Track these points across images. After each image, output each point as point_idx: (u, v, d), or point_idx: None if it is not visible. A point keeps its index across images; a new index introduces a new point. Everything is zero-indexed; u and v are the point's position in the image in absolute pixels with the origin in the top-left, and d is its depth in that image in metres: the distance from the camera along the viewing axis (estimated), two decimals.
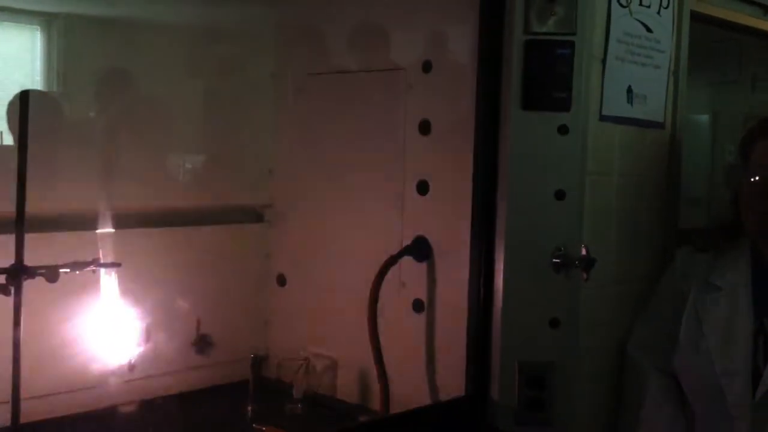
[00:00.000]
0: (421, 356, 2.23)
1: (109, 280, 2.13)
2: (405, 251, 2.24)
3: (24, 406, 1.76)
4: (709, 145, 3.56)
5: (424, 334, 2.23)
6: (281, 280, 2.63)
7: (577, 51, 2.01)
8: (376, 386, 2.25)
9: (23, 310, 1.75)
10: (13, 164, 1.74)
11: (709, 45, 3.30)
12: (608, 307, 2.20)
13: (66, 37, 2.38)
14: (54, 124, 2.19)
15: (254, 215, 2.67)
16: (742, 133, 2.18)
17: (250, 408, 2.29)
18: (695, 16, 2.37)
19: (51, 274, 1.85)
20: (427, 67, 2.22)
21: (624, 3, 2.14)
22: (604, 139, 2.14)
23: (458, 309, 2.09)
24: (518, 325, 2.04)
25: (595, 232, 2.11)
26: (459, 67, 2.13)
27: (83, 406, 2.17)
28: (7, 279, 1.75)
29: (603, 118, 2.13)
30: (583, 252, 2.00)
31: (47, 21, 2.38)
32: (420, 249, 2.23)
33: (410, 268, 2.25)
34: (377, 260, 2.23)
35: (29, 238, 1.77)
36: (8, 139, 1.87)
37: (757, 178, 2.02)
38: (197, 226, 2.48)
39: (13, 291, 1.75)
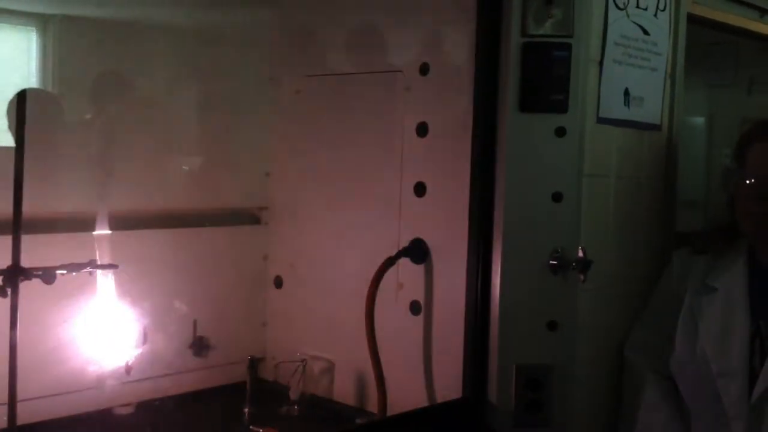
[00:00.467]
0: (418, 358, 2.22)
1: (105, 281, 2.13)
2: (402, 253, 2.24)
3: (21, 407, 1.76)
4: (705, 148, 3.57)
5: (421, 336, 2.22)
6: (278, 282, 2.63)
7: (575, 53, 2.01)
8: (373, 388, 2.25)
9: (20, 311, 1.74)
10: (10, 165, 1.74)
11: (705, 48, 3.31)
12: (605, 309, 2.20)
13: (62, 38, 2.38)
14: (53, 124, 2.19)
15: (251, 217, 2.67)
16: (738, 136, 2.18)
17: (247, 410, 2.29)
18: (692, 19, 2.38)
19: (48, 275, 1.85)
20: (424, 69, 2.22)
21: (621, 5, 2.14)
22: (602, 141, 2.14)
23: (456, 311, 2.09)
24: (516, 327, 2.04)
25: (592, 234, 2.11)
26: (456, 70, 2.13)
27: (80, 407, 2.16)
28: (3, 280, 1.74)
29: (600, 120, 2.13)
30: (581, 254, 2.00)
31: (43, 22, 2.38)
32: (417, 251, 2.23)
33: (408, 270, 2.25)
34: (374, 262, 2.23)
35: (26, 239, 1.76)
36: (8, 140, 1.86)
37: (753, 180, 2.03)
38: (194, 228, 2.48)
39: (9, 292, 1.74)
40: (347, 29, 2.43)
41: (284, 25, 2.60)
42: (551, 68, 2.01)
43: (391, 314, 2.25)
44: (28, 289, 1.78)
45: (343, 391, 2.42)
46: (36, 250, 1.82)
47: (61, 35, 2.38)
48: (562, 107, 2.02)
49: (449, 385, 2.12)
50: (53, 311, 2.06)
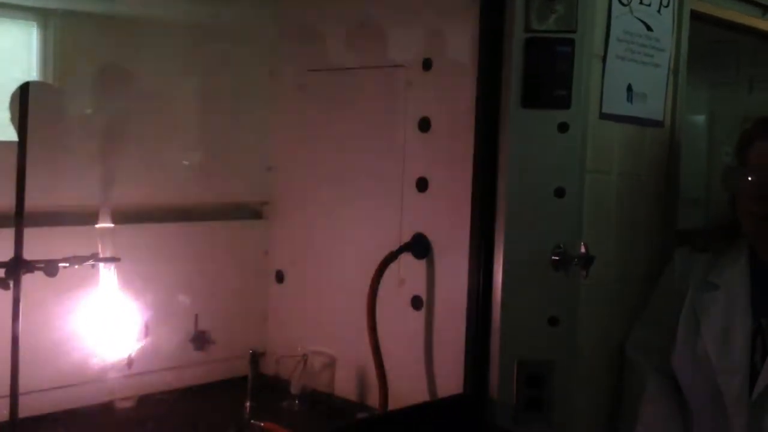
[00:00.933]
0: (419, 353, 2.23)
1: (108, 274, 2.13)
2: (404, 248, 2.24)
3: (22, 400, 1.76)
4: (706, 146, 3.57)
5: (422, 331, 2.23)
6: (280, 277, 2.63)
7: (577, 49, 2.01)
8: (374, 383, 2.25)
9: (22, 304, 1.74)
10: (13, 159, 1.74)
11: (707, 46, 3.30)
12: (607, 305, 2.20)
13: (63, 33, 2.38)
14: (56, 117, 2.19)
15: (253, 212, 2.66)
16: (739, 135, 2.18)
17: (248, 404, 2.28)
18: (695, 15, 2.38)
19: (50, 268, 1.85)
20: (427, 64, 2.22)
21: (624, 1, 2.14)
22: (604, 137, 2.14)
23: (457, 306, 2.09)
24: (517, 323, 2.04)
25: (595, 230, 2.11)
26: (459, 65, 2.13)
27: (82, 400, 2.16)
28: (6, 273, 1.74)
29: (603, 116, 2.13)
30: (583, 250, 2.01)
31: (44, 17, 2.38)
32: (419, 246, 2.23)
33: (409, 265, 2.25)
34: (376, 257, 2.23)
35: (28, 232, 1.76)
36: (9, 135, 1.86)
37: (754, 179, 2.03)
38: (196, 222, 2.48)
39: (12, 285, 1.74)
40: (349, 24, 2.42)
41: (286, 20, 2.59)
42: (554, 64, 2.01)
43: (393, 309, 2.25)
44: (30, 281, 1.78)
45: (344, 385, 2.42)
46: (38, 243, 1.82)
47: (61, 30, 2.38)
48: (564, 103, 2.01)
49: (450, 381, 2.12)
50: (55, 304, 2.06)
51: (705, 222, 3.18)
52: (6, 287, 1.74)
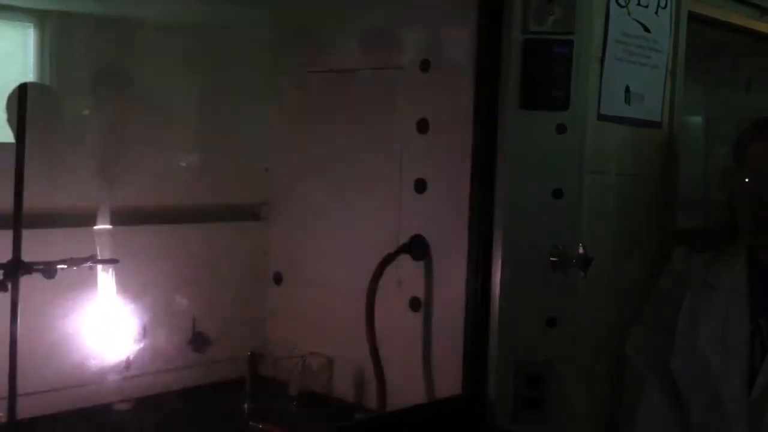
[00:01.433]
0: (417, 354, 2.23)
1: (106, 276, 2.13)
2: (402, 249, 2.24)
3: (21, 402, 1.76)
4: (703, 147, 3.57)
5: (420, 333, 2.23)
6: (278, 278, 2.62)
7: (576, 50, 2.01)
8: (372, 384, 2.25)
9: (20, 306, 1.74)
10: (11, 160, 1.74)
11: (704, 47, 3.31)
12: (605, 306, 2.20)
13: (59, 34, 2.37)
14: (54, 118, 2.18)
15: (251, 213, 2.66)
16: (736, 136, 2.19)
17: (246, 405, 2.28)
18: (693, 17, 2.38)
19: (48, 270, 1.85)
20: (425, 65, 2.22)
21: (622, 3, 2.14)
22: (602, 138, 2.15)
23: (455, 307, 2.09)
24: (515, 324, 2.04)
25: (593, 231, 2.11)
26: (457, 66, 2.13)
27: (80, 402, 2.15)
28: (4, 275, 1.74)
29: (601, 117, 2.13)
30: (581, 251, 2.00)
31: (40, 18, 2.38)
32: (417, 247, 2.23)
33: (407, 266, 2.24)
34: (374, 258, 2.22)
35: (27, 234, 1.76)
36: (7, 137, 1.86)
37: (751, 179, 2.03)
38: (194, 223, 2.47)
39: (10, 287, 1.74)
40: (348, 25, 2.42)
41: (284, 21, 2.59)
42: (552, 65, 2.01)
43: (391, 310, 2.25)
44: (28, 283, 1.78)
45: (342, 387, 2.42)
46: (37, 245, 1.82)
47: (58, 31, 2.37)
48: (563, 104, 2.02)
49: (449, 382, 2.12)
50: (53, 306, 2.05)
51: (703, 223, 3.18)
52: (4, 289, 1.74)
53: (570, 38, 2.01)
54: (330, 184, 2.47)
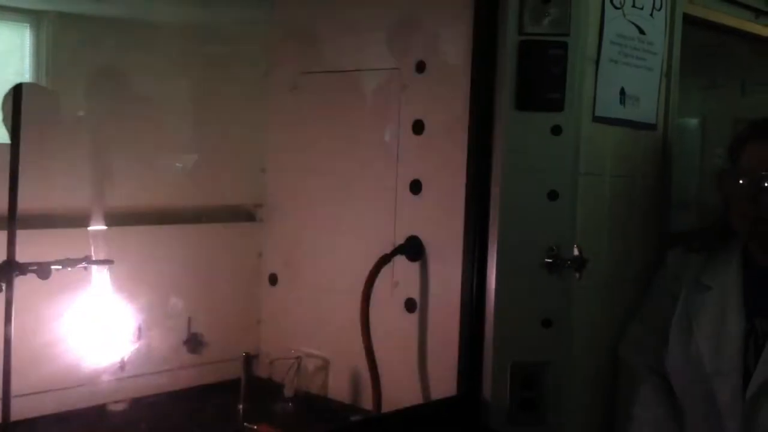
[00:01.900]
0: (413, 356, 2.23)
1: (101, 277, 2.13)
2: (398, 251, 2.24)
3: (15, 403, 1.76)
4: (698, 148, 3.58)
5: (416, 334, 2.23)
6: (273, 280, 2.62)
7: (571, 52, 2.02)
8: (367, 385, 2.25)
9: (14, 307, 1.74)
10: (5, 161, 1.73)
11: (699, 49, 3.31)
12: (600, 307, 2.21)
13: (55, 35, 2.37)
14: (49, 119, 2.18)
15: (246, 214, 2.66)
16: (731, 137, 2.19)
17: (241, 407, 2.28)
18: (687, 19, 2.39)
19: (43, 270, 1.84)
20: (420, 67, 2.22)
21: (617, 5, 2.15)
22: (597, 139, 2.15)
23: (451, 308, 2.09)
24: (511, 325, 2.04)
25: (588, 233, 2.11)
26: (453, 67, 2.14)
27: (74, 403, 2.15)
28: None
29: (596, 119, 2.14)
30: (576, 252, 2.01)
31: (36, 18, 2.37)
32: (413, 248, 2.23)
33: (403, 267, 2.25)
34: (370, 259, 2.22)
35: (21, 234, 1.76)
36: (2, 138, 1.86)
37: (746, 180, 2.03)
38: (189, 224, 2.47)
39: (4, 287, 1.74)
40: (343, 26, 2.42)
41: (280, 22, 2.59)
42: (547, 66, 2.01)
43: (386, 312, 2.25)
44: (23, 284, 1.77)
45: (338, 388, 2.42)
46: (31, 245, 1.81)
47: (54, 32, 2.37)
48: (558, 105, 2.02)
49: (444, 383, 2.12)
50: (48, 306, 2.05)
51: (698, 224, 3.18)
52: None
53: (565, 40, 2.01)
54: (326, 185, 2.47)
